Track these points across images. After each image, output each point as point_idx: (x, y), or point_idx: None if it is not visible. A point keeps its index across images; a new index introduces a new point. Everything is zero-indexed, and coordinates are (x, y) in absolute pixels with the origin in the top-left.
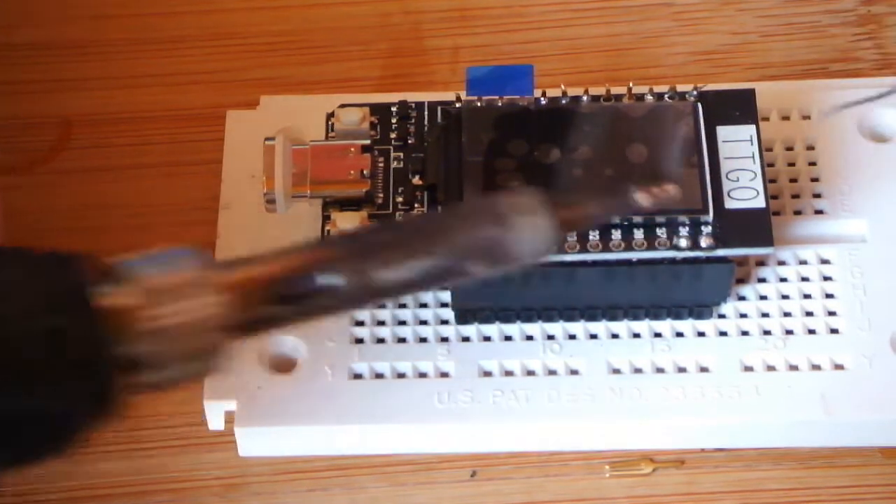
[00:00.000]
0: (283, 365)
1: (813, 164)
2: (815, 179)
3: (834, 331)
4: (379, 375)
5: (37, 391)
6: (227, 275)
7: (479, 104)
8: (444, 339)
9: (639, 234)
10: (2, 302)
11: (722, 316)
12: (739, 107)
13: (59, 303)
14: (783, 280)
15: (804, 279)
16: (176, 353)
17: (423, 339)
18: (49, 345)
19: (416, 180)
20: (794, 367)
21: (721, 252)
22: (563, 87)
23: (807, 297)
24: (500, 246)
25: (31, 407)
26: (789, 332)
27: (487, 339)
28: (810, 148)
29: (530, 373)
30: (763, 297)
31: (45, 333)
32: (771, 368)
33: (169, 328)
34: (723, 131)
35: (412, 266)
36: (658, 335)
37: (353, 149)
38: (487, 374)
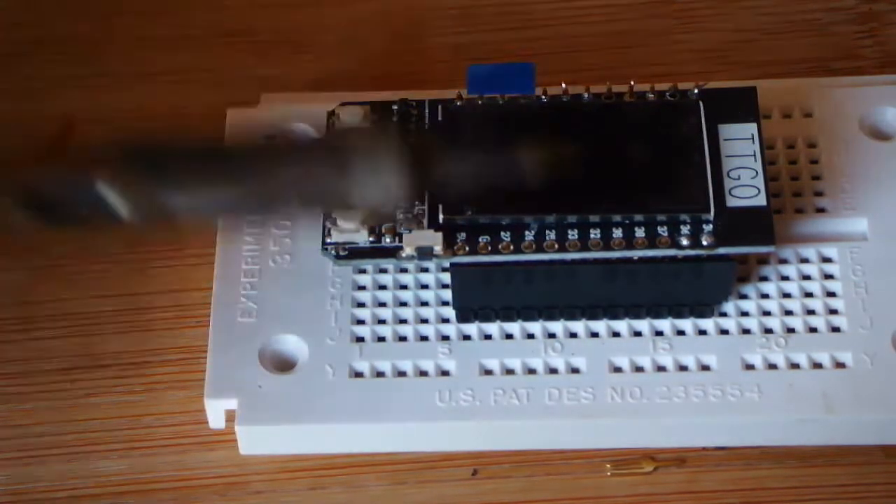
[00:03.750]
0: (284, 363)
1: (814, 162)
2: (816, 177)
3: (835, 329)
4: (380, 374)
5: None
6: None
7: (480, 102)
8: (445, 338)
9: (640, 233)
10: None
11: (723, 314)
12: (741, 105)
13: None
14: (784, 278)
15: (805, 277)
16: None
17: (424, 338)
18: None
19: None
20: (795, 366)
21: (722, 250)
22: (564, 85)
23: (808, 295)
24: (339, 190)
25: None
26: (791, 331)
27: (488, 337)
28: (812, 146)
29: (531, 371)
30: (764, 296)
31: None
32: (772, 367)
33: None
34: (724, 129)
35: (219, 193)
36: (659, 333)
37: None
38: (488, 372)
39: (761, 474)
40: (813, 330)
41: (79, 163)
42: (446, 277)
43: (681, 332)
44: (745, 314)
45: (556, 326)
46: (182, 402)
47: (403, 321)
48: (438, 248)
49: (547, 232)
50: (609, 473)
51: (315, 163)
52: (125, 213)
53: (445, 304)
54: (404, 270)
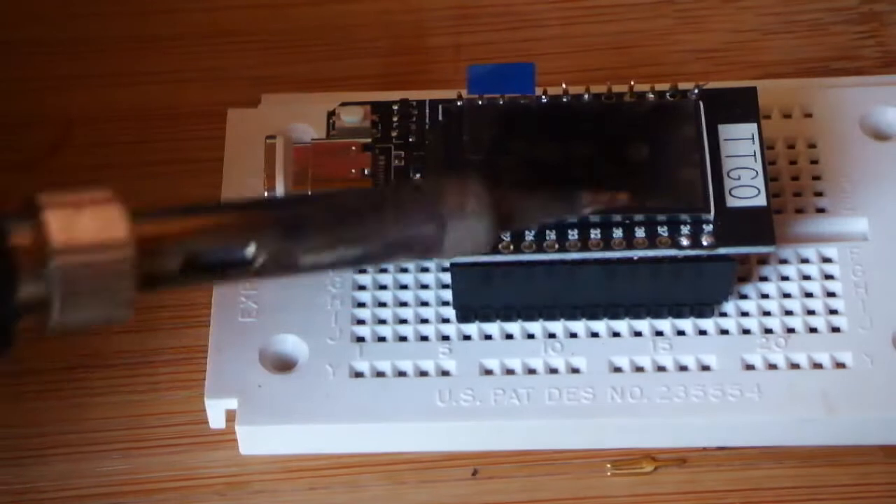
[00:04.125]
0: (285, 363)
1: (815, 162)
2: (816, 177)
3: (835, 329)
4: (380, 374)
5: None
6: (140, 223)
7: (480, 102)
8: (446, 338)
9: (640, 233)
10: None
11: (723, 314)
12: (741, 105)
13: None
14: (785, 278)
15: (806, 277)
16: (81, 297)
17: (425, 338)
18: None
19: (418, 179)
20: (795, 366)
21: (722, 250)
22: (564, 85)
23: (808, 295)
24: (433, 245)
25: None
26: (791, 331)
27: (489, 337)
28: (812, 146)
29: (531, 371)
30: (764, 296)
31: None
32: (772, 367)
33: (77, 269)
34: (724, 129)
35: (338, 253)
36: (659, 333)
37: (354, 147)
38: (489, 372)
39: (761, 474)
40: (813, 330)
41: (238, 227)
42: (446, 277)
43: (681, 332)
44: (745, 314)
45: (557, 326)
46: (183, 402)
47: (404, 321)
48: None
49: (547, 232)
50: (609, 473)
51: (416, 222)
52: (259, 269)
53: (446, 304)
54: (404, 270)
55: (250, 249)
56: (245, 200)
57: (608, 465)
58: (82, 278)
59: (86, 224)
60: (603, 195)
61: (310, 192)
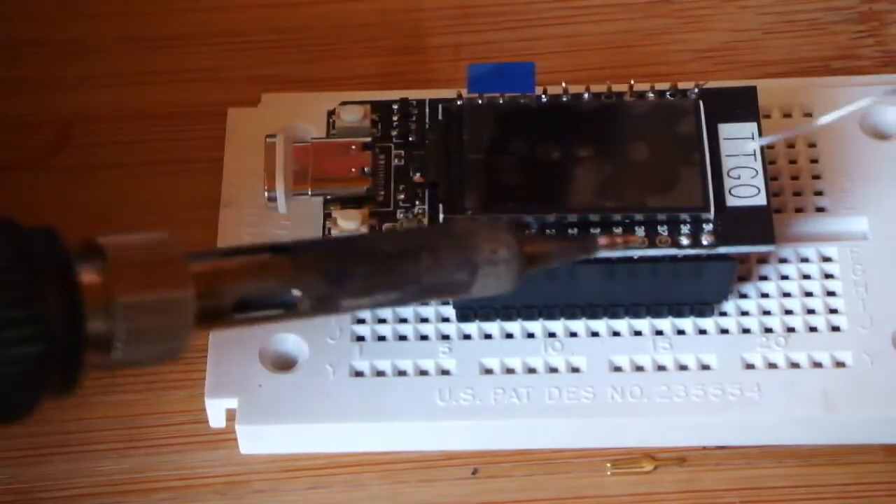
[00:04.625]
0: (285, 363)
1: (814, 161)
2: (816, 177)
3: (835, 328)
4: (380, 373)
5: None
6: (196, 265)
7: (480, 102)
8: (446, 337)
9: (640, 232)
10: None
11: (723, 314)
12: (741, 104)
13: (40, 276)
14: (784, 278)
15: (805, 277)
16: (144, 334)
17: (425, 337)
18: (27, 319)
19: (418, 178)
20: (795, 365)
21: (722, 250)
22: (564, 84)
23: (808, 294)
24: (463, 289)
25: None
26: (791, 330)
27: (488, 336)
28: (812, 145)
29: (531, 370)
30: (764, 295)
31: (25, 305)
32: (772, 366)
33: (141, 308)
34: (724, 129)
35: (375, 298)
36: (659, 333)
37: (354, 146)
38: (489, 371)
39: (761, 473)
40: (813, 329)
41: (286, 276)
42: None
43: (681, 332)
44: (745, 313)
45: (557, 325)
46: (182, 402)
47: (403, 320)
48: None
49: (547, 231)
50: (609, 473)
51: (451, 270)
52: (303, 312)
53: (445, 303)
54: None
55: (296, 294)
56: (293, 244)
57: (608, 465)
58: (145, 316)
59: (148, 266)
60: (618, 237)
61: (351, 234)
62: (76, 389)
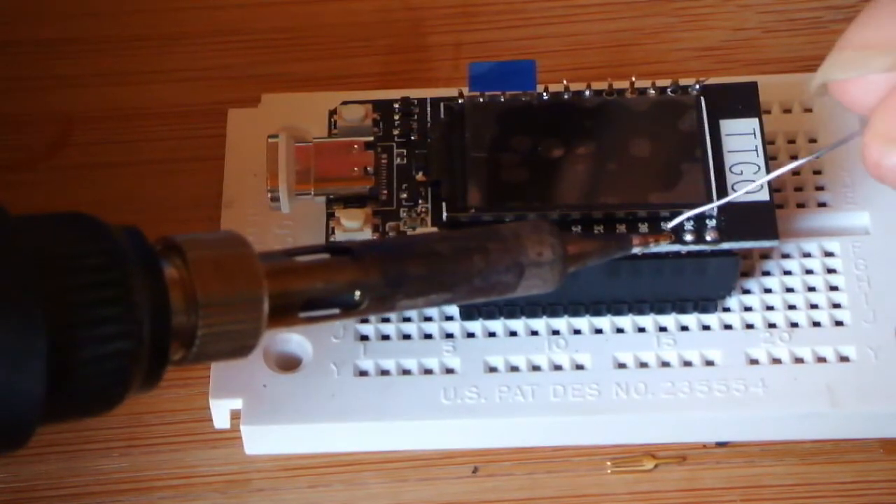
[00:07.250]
0: (289, 363)
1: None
2: (817, 172)
3: (839, 323)
4: (384, 372)
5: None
6: (270, 264)
7: (481, 100)
8: (449, 336)
9: (643, 228)
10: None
11: (727, 309)
12: (742, 100)
13: (132, 275)
14: (787, 273)
15: (808, 272)
16: (222, 331)
17: (428, 336)
18: (122, 316)
19: (420, 177)
20: (799, 360)
21: (726, 245)
22: (565, 82)
23: (811, 289)
24: (510, 289)
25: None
26: (794, 325)
27: (492, 334)
28: (812, 141)
29: (536, 368)
30: (768, 291)
31: (120, 303)
32: (776, 361)
33: (221, 305)
34: (726, 125)
35: (429, 298)
36: (663, 329)
37: (356, 146)
38: (493, 369)
39: (761, 472)
40: (816, 324)
41: (352, 278)
42: None
43: (685, 328)
44: (748, 309)
45: (560, 323)
46: (183, 400)
47: (407, 319)
48: None
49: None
50: (609, 471)
51: (500, 272)
52: (363, 310)
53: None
54: None
55: (358, 294)
56: (352, 245)
57: (608, 463)
58: (224, 313)
59: (226, 264)
60: (650, 236)
61: (410, 234)
62: (158, 383)
